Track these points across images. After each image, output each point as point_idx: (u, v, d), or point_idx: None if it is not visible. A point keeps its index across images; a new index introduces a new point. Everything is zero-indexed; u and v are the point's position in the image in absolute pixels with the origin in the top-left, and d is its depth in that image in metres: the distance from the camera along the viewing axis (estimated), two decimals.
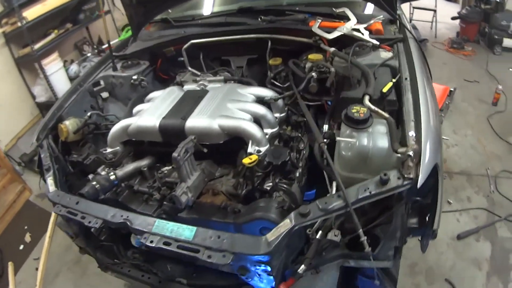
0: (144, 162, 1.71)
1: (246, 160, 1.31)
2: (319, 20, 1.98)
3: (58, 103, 1.99)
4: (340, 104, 1.67)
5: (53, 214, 2.79)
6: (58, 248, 2.79)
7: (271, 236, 1.09)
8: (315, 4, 2.39)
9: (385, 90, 1.48)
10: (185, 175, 1.38)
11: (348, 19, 1.97)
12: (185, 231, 1.18)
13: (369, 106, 1.35)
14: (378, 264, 1.28)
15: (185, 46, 2.19)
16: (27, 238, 3.05)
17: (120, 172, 1.64)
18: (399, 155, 1.16)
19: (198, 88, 1.89)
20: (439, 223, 1.18)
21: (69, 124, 1.86)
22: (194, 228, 1.19)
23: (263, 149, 1.43)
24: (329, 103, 1.91)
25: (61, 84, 4.25)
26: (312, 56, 1.90)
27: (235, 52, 2.34)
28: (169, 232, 1.21)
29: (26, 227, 3.14)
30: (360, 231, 1.09)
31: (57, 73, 4.27)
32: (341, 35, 1.88)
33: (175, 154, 1.30)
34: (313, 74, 1.73)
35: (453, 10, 5.94)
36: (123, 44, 2.59)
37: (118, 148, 1.76)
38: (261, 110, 1.59)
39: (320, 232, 1.23)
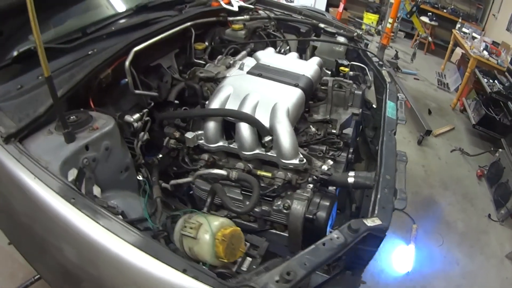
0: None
1: (344, 69, 2.22)
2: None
3: None
4: None
5: None
6: None
7: None
8: None
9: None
10: None
11: None
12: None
13: None
14: None
15: (129, 59, 1.67)
16: None
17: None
18: None
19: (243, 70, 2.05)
20: None
21: None
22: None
23: None
24: None
25: None
26: (236, 27, 2.67)
27: (161, 52, 2.10)
28: None
29: None
30: None
31: None
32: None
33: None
34: (270, 31, 2.62)
35: None
36: None
37: None
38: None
39: None
